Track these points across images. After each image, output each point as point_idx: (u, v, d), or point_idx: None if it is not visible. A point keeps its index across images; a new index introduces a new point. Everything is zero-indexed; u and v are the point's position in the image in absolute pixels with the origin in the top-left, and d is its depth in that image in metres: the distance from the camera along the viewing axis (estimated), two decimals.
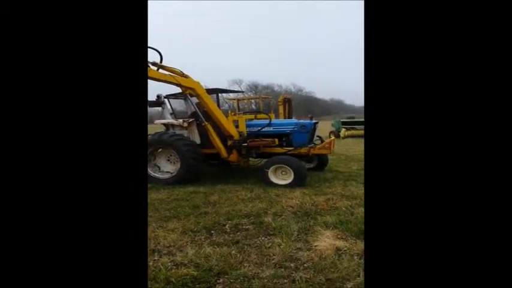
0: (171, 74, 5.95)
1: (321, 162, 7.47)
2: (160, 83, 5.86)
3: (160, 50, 5.49)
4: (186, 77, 6.14)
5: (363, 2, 1.30)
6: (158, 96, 7.33)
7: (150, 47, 5.26)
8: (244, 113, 8.10)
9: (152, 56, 5.68)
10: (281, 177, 5.93)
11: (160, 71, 5.75)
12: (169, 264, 2.88)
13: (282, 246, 3.20)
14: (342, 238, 3.38)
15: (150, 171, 6.59)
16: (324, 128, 18.95)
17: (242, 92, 11.70)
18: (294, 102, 12.77)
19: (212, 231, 3.72)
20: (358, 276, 2.58)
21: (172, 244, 3.34)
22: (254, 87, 51.42)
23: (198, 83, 6.25)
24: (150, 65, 5.54)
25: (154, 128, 7.98)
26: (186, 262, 2.89)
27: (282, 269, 2.76)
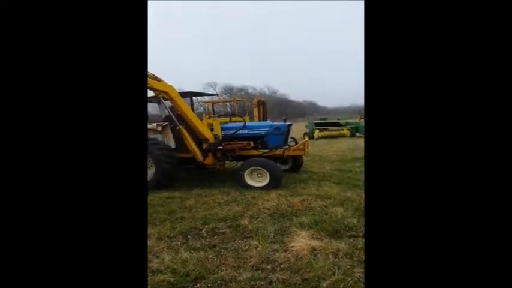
0: None
1: (296, 163, 7.58)
2: None
3: None
4: (159, 80, 6.07)
5: (360, 2, 1.32)
6: None
7: None
8: (219, 116, 8.08)
9: None
10: (257, 180, 5.98)
11: None
12: None
13: (258, 249, 3.23)
14: (317, 238, 3.45)
15: None
16: (298, 129, 19.19)
17: (216, 95, 11.70)
18: (268, 105, 12.87)
19: (189, 236, 3.71)
20: (334, 274, 2.66)
21: (148, 251, 3.30)
22: (229, 90, 51.37)
23: (171, 86, 6.19)
24: None
25: None
26: (163, 268, 2.86)
27: (259, 271, 2.80)
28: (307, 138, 6.92)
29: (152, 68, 5.64)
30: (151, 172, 6.37)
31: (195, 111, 7.28)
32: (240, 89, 50.60)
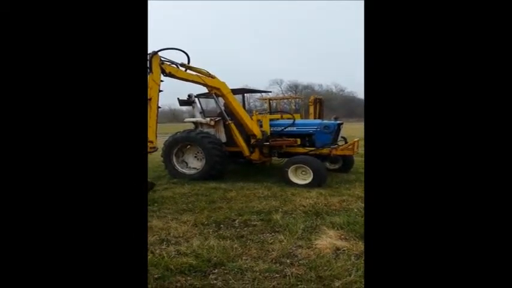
0: (198, 74, 6.21)
1: (346, 163, 7.38)
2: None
3: (187, 52, 5.76)
4: (212, 77, 6.37)
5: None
6: (189, 96, 7.65)
7: (178, 49, 5.54)
8: (271, 112, 8.18)
9: (179, 58, 5.95)
10: (301, 177, 5.97)
11: (188, 71, 6.02)
12: (174, 253, 3.08)
13: (283, 243, 3.28)
14: (345, 238, 3.39)
15: (178, 166, 6.94)
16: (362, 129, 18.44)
17: (269, 92, 11.73)
18: (334, 103, 12.59)
19: (221, 225, 3.89)
20: (350, 275, 2.61)
21: (181, 235, 3.56)
22: (294, 87, 51.13)
23: (224, 83, 6.46)
24: (178, 66, 5.82)
25: (184, 126, 8.32)
26: (189, 252, 3.08)
27: (277, 264, 2.86)
28: (358, 138, 6.67)
29: (218, 66, 5.99)
30: (201, 164, 6.76)
31: (246, 108, 7.48)
32: (306, 87, 49.93)
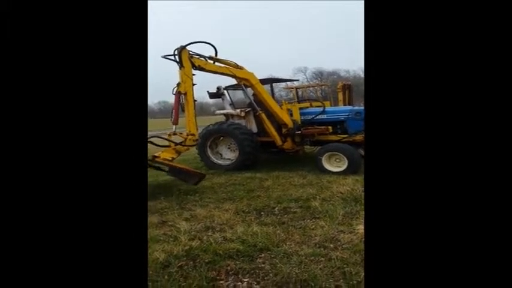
0: (226, 66, 6.31)
1: None
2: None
3: (214, 44, 5.84)
4: (240, 68, 6.46)
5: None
6: (218, 88, 7.79)
7: (206, 42, 5.66)
8: (299, 101, 8.19)
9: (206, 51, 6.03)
10: (335, 165, 5.99)
11: (216, 63, 6.14)
12: (220, 239, 3.24)
13: (325, 229, 3.36)
14: None
15: (213, 158, 7.14)
16: None
17: (297, 80, 11.71)
18: (363, 88, 12.36)
19: (262, 213, 4.02)
20: None
21: (225, 222, 3.71)
22: (319, 74, 50.32)
23: (252, 73, 6.54)
24: (207, 59, 5.95)
25: (216, 118, 8.50)
26: (234, 238, 3.22)
27: (321, 248, 2.94)
28: None
29: (241, 57, 6.06)
30: (235, 155, 6.92)
31: (284, 97, 7.53)
32: (332, 73, 48.94)
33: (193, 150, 7.53)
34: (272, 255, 2.86)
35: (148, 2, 1.41)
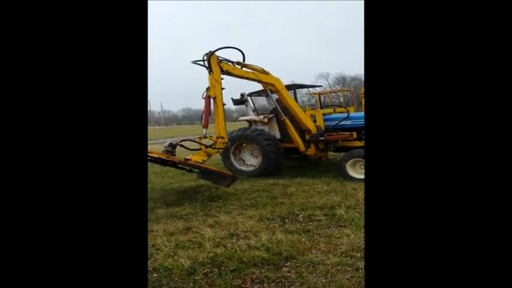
0: (253, 71, 6.36)
1: None
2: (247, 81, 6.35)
3: (243, 50, 5.92)
4: (266, 73, 6.49)
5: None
6: (242, 95, 7.85)
7: (235, 48, 5.76)
8: (322, 107, 8.12)
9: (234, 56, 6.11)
10: (359, 171, 5.87)
11: (244, 69, 6.20)
12: (245, 247, 3.23)
13: (351, 237, 3.29)
14: None
15: (236, 164, 7.17)
16: None
17: (320, 86, 11.63)
18: None
19: (286, 220, 3.98)
20: None
21: (249, 230, 3.70)
22: (341, 80, 49.79)
23: (278, 79, 6.56)
24: (235, 64, 6.03)
25: (239, 124, 8.55)
26: (259, 246, 3.20)
27: (348, 258, 2.88)
28: None
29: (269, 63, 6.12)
30: (258, 161, 6.92)
31: (306, 103, 7.51)
32: (354, 78, 48.38)
33: (217, 156, 7.60)
34: (298, 264, 2.82)
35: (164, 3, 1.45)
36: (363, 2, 1.31)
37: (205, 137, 5.50)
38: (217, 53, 5.59)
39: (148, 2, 1.40)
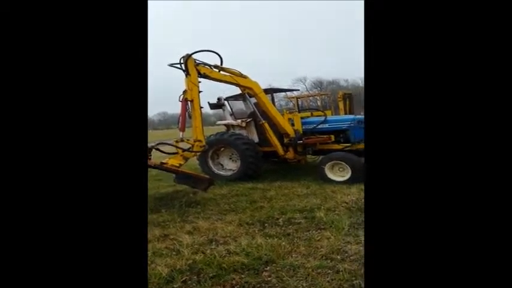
0: (231, 75, 6.31)
1: None
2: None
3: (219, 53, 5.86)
4: (244, 77, 6.46)
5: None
6: (219, 99, 7.77)
7: (211, 51, 5.70)
8: (300, 110, 8.18)
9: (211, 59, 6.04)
10: (338, 174, 5.92)
11: (221, 72, 6.14)
12: (224, 252, 3.15)
13: (331, 240, 3.28)
14: None
15: (214, 168, 7.07)
16: None
17: (297, 90, 11.74)
18: (362, 98, 12.39)
19: (266, 224, 3.94)
20: None
21: (228, 235, 3.63)
22: (319, 84, 50.54)
23: (256, 83, 6.54)
24: (212, 67, 5.96)
25: (216, 129, 8.48)
26: (239, 251, 3.13)
27: (328, 260, 2.86)
28: None
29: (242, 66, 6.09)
30: (237, 165, 6.85)
31: (284, 107, 7.52)
32: (331, 82, 49.13)
33: (194, 160, 7.48)
34: (278, 268, 2.78)
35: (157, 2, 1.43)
36: (339, 2, 1.31)
37: (182, 141, 5.41)
38: (195, 56, 5.52)
39: (149, 2, 1.41)
